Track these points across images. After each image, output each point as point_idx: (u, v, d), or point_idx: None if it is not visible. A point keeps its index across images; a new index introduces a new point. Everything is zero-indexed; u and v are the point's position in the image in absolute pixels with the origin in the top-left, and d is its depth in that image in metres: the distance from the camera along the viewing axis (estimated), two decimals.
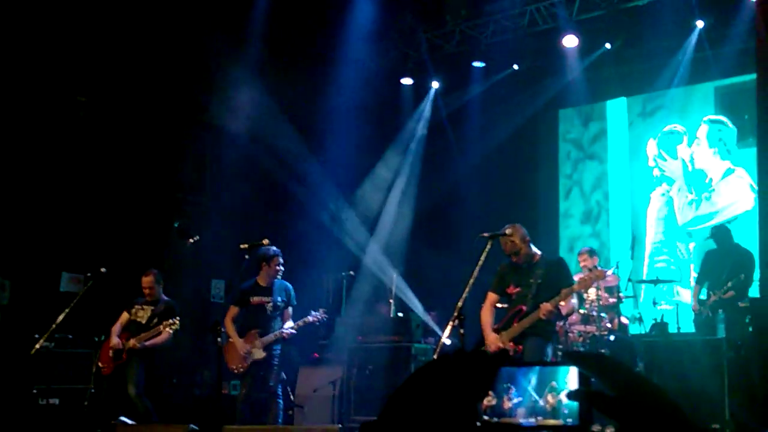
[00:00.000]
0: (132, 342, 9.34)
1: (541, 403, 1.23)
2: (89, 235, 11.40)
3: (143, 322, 9.53)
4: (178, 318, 9.40)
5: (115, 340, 9.45)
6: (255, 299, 9.20)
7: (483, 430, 1.19)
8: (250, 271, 9.15)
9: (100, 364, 9.40)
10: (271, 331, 9.06)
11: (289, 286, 9.42)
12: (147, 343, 9.36)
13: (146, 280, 9.71)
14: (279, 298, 9.20)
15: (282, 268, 9.28)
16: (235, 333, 9.11)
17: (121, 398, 9.29)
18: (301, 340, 10.06)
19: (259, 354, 8.97)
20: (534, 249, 7.70)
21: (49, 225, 11.05)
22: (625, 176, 13.29)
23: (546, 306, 7.32)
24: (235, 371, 9.10)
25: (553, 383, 1.22)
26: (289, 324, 9.14)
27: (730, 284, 9.40)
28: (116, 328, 9.57)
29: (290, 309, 9.28)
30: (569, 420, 1.20)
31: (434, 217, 14.27)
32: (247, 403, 9.05)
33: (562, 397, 1.20)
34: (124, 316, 9.66)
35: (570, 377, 1.21)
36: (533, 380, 1.23)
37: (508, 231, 7.41)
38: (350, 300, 12.60)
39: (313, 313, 9.26)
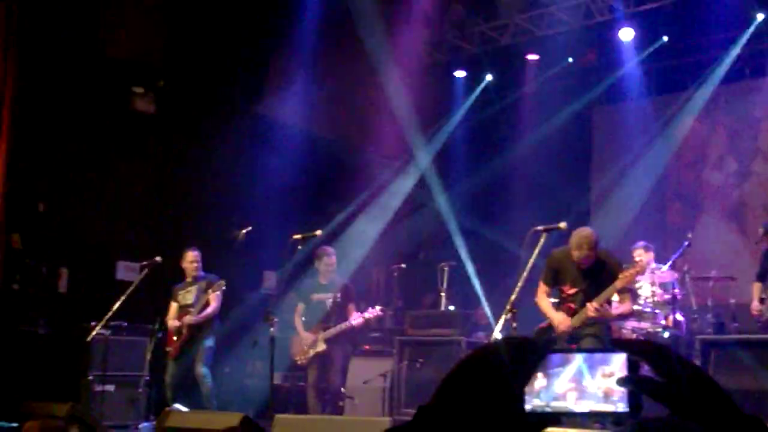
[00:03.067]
0: (187, 318, 9.51)
1: (592, 388, 1.22)
2: (145, 224, 11.56)
3: (191, 301, 9.67)
4: (222, 280, 9.61)
5: (171, 323, 9.66)
6: (315, 296, 9.58)
7: (532, 414, 1.19)
8: (304, 263, 9.27)
9: (167, 349, 9.62)
10: (332, 326, 9.35)
11: (349, 284, 9.79)
12: (201, 315, 9.54)
13: (192, 255, 9.88)
14: (339, 295, 9.49)
15: (332, 266, 9.58)
16: (301, 327, 9.53)
17: (179, 384, 9.45)
18: (350, 334, 10.09)
19: (321, 346, 9.32)
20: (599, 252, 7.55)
21: (105, 213, 11.21)
22: None
23: (592, 305, 7.23)
24: (298, 362, 9.53)
25: (605, 369, 1.21)
26: (355, 315, 9.42)
27: None
28: (168, 318, 9.76)
29: (353, 305, 9.55)
30: (620, 406, 1.20)
31: (486, 210, 14.22)
32: (314, 393, 9.41)
33: (613, 383, 1.19)
34: (173, 306, 9.81)
35: (620, 363, 1.20)
36: (585, 365, 1.23)
37: (562, 225, 7.32)
38: (401, 293, 12.61)
39: (370, 310, 9.44)
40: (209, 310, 9.62)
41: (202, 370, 9.39)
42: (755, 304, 9.53)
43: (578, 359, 1.24)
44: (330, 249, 9.70)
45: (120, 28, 11.49)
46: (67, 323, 10.07)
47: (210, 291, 9.58)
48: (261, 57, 12.64)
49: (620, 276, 7.26)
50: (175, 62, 11.97)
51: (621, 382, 1.20)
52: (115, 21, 11.45)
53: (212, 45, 11.99)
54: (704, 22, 12.22)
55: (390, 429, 1.18)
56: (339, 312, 9.45)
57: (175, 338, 9.60)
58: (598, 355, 1.24)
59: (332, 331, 9.31)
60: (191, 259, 9.87)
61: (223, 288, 9.60)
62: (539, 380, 1.21)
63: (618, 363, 1.21)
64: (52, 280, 10.66)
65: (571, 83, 13.88)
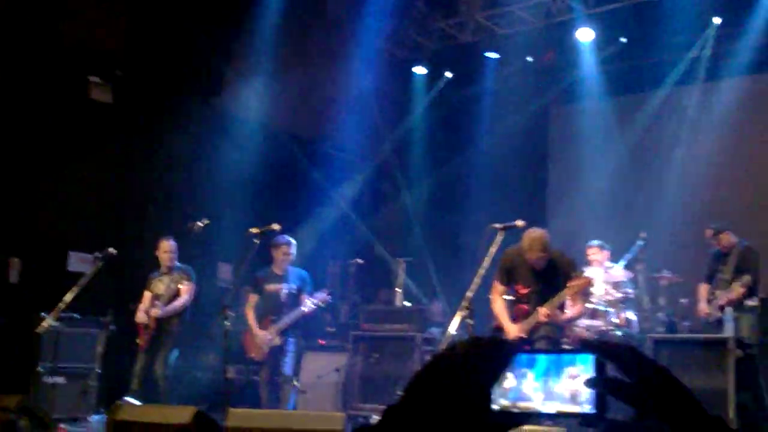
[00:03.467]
0: (154, 311, 9.40)
1: (559, 389, 1.22)
2: (99, 215, 11.42)
3: (161, 292, 9.57)
4: (193, 277, 9.65)
5: (140, 315, 9.55)
6: (269, 287, 9.37)
7: (500, 414, 1.19)
8: (261, 256, 9.19)
9: (137, 340, 9.49)
10: (284, 318, 9.19)
11: (305, 273, 9.53)
12: (169, 307, 9.46)
13: (166, 245, 9.77)
14: (293, 285, 9.32)
15: (289, 256, 9.37)
16: (254, 321, 9.33)
17: (148, 376, 9.37)
18: (307, 326, 10.07)
19: (276, 341, 9.17)
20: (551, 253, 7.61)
21: (57, 203, 11.06)
22: None
23: (543, 310, 7.33)
24: (255, 358, 9.34)
25: (571, 370, 1.22)
26: (305, 302, 9.21)
27: (736, 283, 9.35)
28: (141, 307, 9.64)
29: (306, 296, 9.28)
30: (586, 407, 1.20)
31: (443, 206, 14.26)
32: (267, 389, 9.24)
33: (579, 384, 1.20)
34: (146, 296, 9.69)
35: (587, 364, 1.21)
36: (552, 366, 1.23)
37: (519, 223, 7.35)
38: (356, 287, 12.60)
39: (317, 294, 9.28)
40: (178, 302, 9.52)
41: (160, 370, 9.29)
42: (702, 306, 9.68)
43: (545, 360, 1.24)
44: (288, 238, 9.45)
45: (78, 17, 11.32)
46: (17, 314, 9.92)
47: (181, 285, 9.50)
48: (221, 50, 12.55)
49: (569, 285, 7.33)
50: (133, 52, 11.84)
51: (588, 383, 1.20)
52: (73, 9, 11.29)
53: (172, 36, 11.87)
54: (663, 25, 12.35)
55: (358, 429, 1.18)
56: (292, 303, 9.27)
57: (144, 330, 9.47)
58: (565, 356, 1.24)
59: (285, 321, 9.15)
60: (165, 248, 9.75)
61: (192, 285, 9.59)
62: (506, 380, 1.21)
63: (585, 364, 1.21)
64: (4, 270, 10.49)
65: (530, 82, 13.97)
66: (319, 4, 12.91)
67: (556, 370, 1.23)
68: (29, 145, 10.85)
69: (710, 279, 9.77)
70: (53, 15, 11.09)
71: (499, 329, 7.77)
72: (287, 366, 9.19)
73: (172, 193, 12.13)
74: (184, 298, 9.55)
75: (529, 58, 13.78)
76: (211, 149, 12.55)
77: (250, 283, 9.62)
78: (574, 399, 1.22)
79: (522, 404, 1.22)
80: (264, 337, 9.20)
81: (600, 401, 1.20)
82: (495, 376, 1.19)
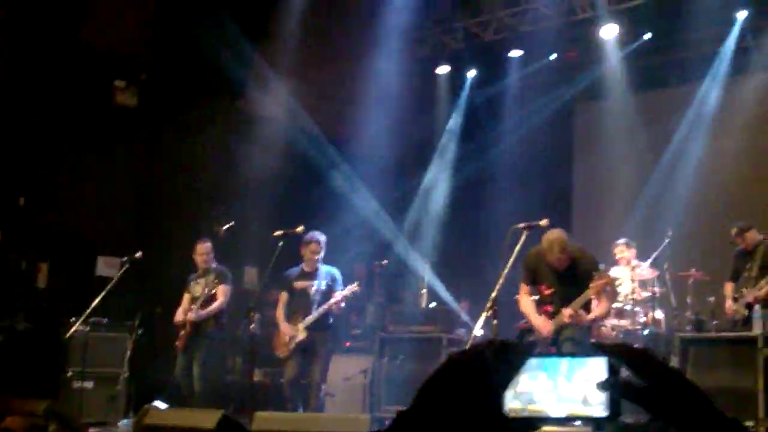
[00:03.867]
0: (189, 314, 9.43)
1: (571, 392, 1.21)
2: (126, 220, 11.50)
3: (198, 294, 9.57)
4: (229, 279, 9.69)
5: (178, 316, 9.56)
6: (298, 284, 9.26)
7: (512, 418, 1.18)
8: (290, 257, 9.21)
9: (176, 343, 9.45)
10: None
11: (335, 271, 9.38)
12: (204, 311, 9.42)
13: (202, 247, 9.79)
14: (323, 282, 9.19)
15: (319, 253, 9.22)
16: (283, 318, 9.23)
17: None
18: (336, 329, 10.05)
19: (302, 335, 9.02)
20: (571, 248, 7.56)
21: (86, 208, 11.14)
22: None
23: (567, 311, 7.30)
24: (280, 356, 9.20)
25: (584, 373, 1.21)
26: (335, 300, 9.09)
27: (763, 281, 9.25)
28: (180, 309, 9.63)
29: (337, 294, 9.12)
30: (599, 409, 1.19)
31: (468, 206, 14.22)
32: (293, 389, 9.07)
33: (592, 387, 1.19)
34: (185, 297, 9.70)
35: (600, 367, 1.19)
36: (564, 369, 1.22)
37: (543, 222, 7.32)
38: (382, 289, 12.58)
39: (347, 287, 9.17)
40: (214, 305, 9.50)
41: (197, 371, 9.31)
42: (729, 304, 9.57)
43: (558, 363, 1.24)
44: (318, 235, 9.29)
45: (104, 21, 11.41)
46: (46, 319, 10.00)
47: (218, 289, 9.48)
48: (245, 51, 12.59)
49: (591, 285, 7.28)
50: (158, 56, 11.91)
51: (601, 386, 1.19)
52: (99, 14, 11.37)
53: (196, 38, 11.92)
54: (687, 20, 12.24)
55: None
56: (323, 301, 9.12)
57: (182, 332, 9.47)
58: (577, 359, 1.23)
59: (313, 316, 9.02)
60: (200, 251, 9.77)
61: (229, 288, 9.62)
62: (518, 383, 1.21)
63: (597, 367, 1.20)
64: (32, 275, 10.58)
65: (554, 80, 13.89)
66: (342, 3, 12.91)
67: (568, 373, 1.23)
68: (56, 151, 10.96)
69: (736, 278, 9.67)
70: (78, 19, 11.18)
71: (525, 330, 7.75)
72: (316, 370, 9.02)
73: (198, 197, 12.19)
74: (219, 301, 9.53)
75: (553, 56, 13.70)
76: (236, 151, 12.60)
77: (281, 281, 9.47)
78: (586, 402, 1.21)
79: (534, 407, 1.22)
80: (289, 330, 9.08)
81: (613, 404, 1.19)
82: (507, 379, 1.19)
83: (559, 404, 1.23)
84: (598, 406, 1.20)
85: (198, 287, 9.65)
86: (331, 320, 9.28)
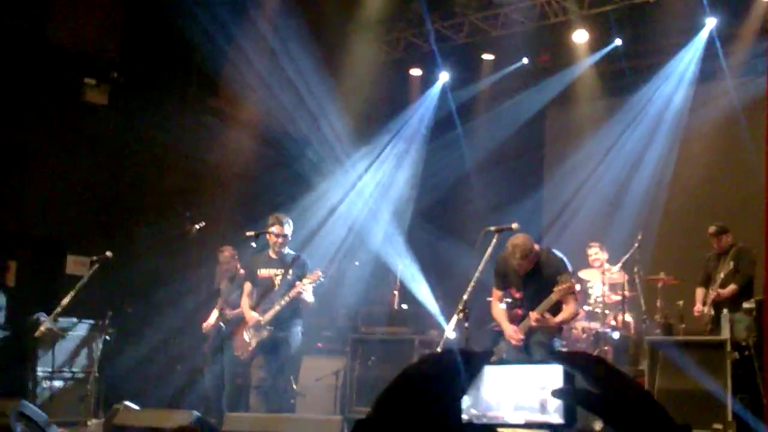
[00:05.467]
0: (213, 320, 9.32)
1: (528, 399, 1.24)
2: (95, 219, 11.42)
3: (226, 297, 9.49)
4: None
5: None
6: (262, 272, 8.39)
7: (469, 425, 1.21)
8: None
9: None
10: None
11: (303, 257, 8.50)
12: (235, 311, 9.13)
13: (221, 256, 9.85)
14: (290, 271, 8.22)
15: (282, 238, 8.26)
16: (248, 308, 8.36)
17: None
18: (304, 329, 9.99)
19: (263, 333, 8.17)
20: (536, 251, 7.62)
21: (55, 207, 11.06)
22: None
23: (534, 315, 7.38)
24: (241, 358, 8.47)
25: (540, 380, 1.24)
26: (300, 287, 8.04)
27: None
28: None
29: (299, 284, 8.10)
30: (556, 417, 1.22)
31: (440, 208, 14.27)
32: (259, 396, 8.19)
33: (548, 394, 1.22)
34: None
35: (556, 375, 1.22)
36: (521, 376, 1.25)
37: (513, 225, 7.36)
38: (354, 290, 12.60)
39: (308, 274, 8.15)
40: (238, 312, 8.95)
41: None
42: (698, 307, 9.68)
43: (514, 370, 1.26)
44: (282, 217, 8.41)
45: (74, 18, 11.33)
46: (15, 318, 9.92)
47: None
48: (217, 51, 12.55)
49: (554, 289, 7.35)
50: (130, 54, 11.84)
51: (556, 393, 1.21)
52: (69, 12, 11.29)
53: (168, 37, 11.87)
54: (657, 27, 12.38)
55: None
56: (288, 291, 8.11)
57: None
58: (534, 367, 1.26)
59: (274, 310, 8.09)
60: (224, 259, 9.78)
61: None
62: (476, 391, 1.23)
63: (553, 374, 1.23)
64: (1, 274, 10.49)
65: (525, 83, 13.98)
66: (315, 5, 12.90)
67: (525, 380, 1.25)
68: (24, 149, 10.85)
69: (706, 283, 9.79)
70: (48, 16, 11.10)
71: (497, 333, 7.82)
72: (278, 365, 8.24)
73: (168, 195, 12.13)
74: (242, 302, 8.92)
75: (524, 60, 13.79)
76: (207, 150, 12.55)
77: (245, 270, 8.81)
78: (543, 409, 1.23)
79: (491, 414, 1.24)
80: (246, 328, 8.25)
81: (569, 411, 1.22)
82: (465, 387, 1.20)
83: (517, 411, 1.25)
84: (554, 413, 1.23)
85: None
86: (297, 316, 8.35)
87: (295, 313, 8.30)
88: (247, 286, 8.54)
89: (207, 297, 11.15)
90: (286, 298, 8.01)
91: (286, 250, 8.42)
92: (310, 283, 8.02)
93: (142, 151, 11.99)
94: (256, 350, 8.24)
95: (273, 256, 8.38)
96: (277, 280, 8.20)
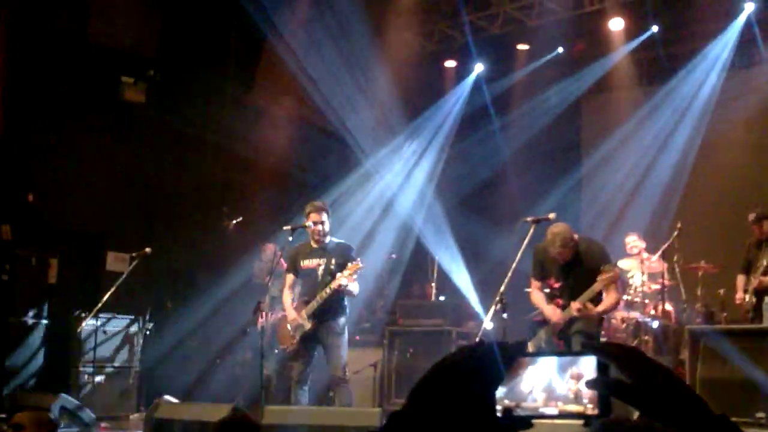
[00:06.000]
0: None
1: (562, 389, 1.23)
2: (135, 215, 11.53)
3: (275, 295, 9.26)
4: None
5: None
6: (305, 263, 8.01)
7: (503, 416, 1.20)
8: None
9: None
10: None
11: (348, 245, 8.13)
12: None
13: (264, 255, 9.89)
14: (332, 260, 7.84)
15: (321, 225, 7.83)
16: (289, 303, 8.06)
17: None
18: (344, 313, 9.75)
19: (306, 325, 7.80)
20: (575, 240, 7.54)
21: (95, 204, 11.18)
22: None
23: (575, 305, 7.30)
24: (286, 351, 8.14)
25: (575, 370, 1.23)
26: (341, 280, 7.62)
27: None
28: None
29: (338, 276, 7.66)
30: (589, 407, 1.21)
31: (477, 199, 14.23)
32: (300, 390, 7.90)
33: (582, 384, 1.21)
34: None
35: (590, 365, 1.22)
36: (554, 367, 1.24)
37: (551, 216, 7.32)
38: (392, 282, 12.62)
39: (349, 265, 7.65)
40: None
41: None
42: (740, 294, 9.55)
43: (548, 361, 1.26)
44: (320, 204, 8.03)
45: (112, 17, 11.44)
46: (56, 314, 10.05)
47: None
48: (252, 47, 12.61)
49: (598, 279, 7.26)
50: (167, 52, 11.93)
51: (590, 384, 1.21)
52: (107, 11, 11.40)
53: (204, 35, 11.95)
54: (693, 12, 12.24)
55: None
56: (330, 281, 7.72)
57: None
58: (568, 357, 1.25)
59: (316, 302, 7.75)
60: (266, 257, 9.79)
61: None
62: (510, 381, 1.23)
63: (587, 365, 1.22)
64: (42, 271, 10.62)
65: (561, 73, 13.90)
66: None
67: (559, 370, 1.24)
68: (64, 147, 10.98)
69: (747, 269, 9.65)
70: (86, 16, 11.21)
71: (536, 323, 7.76)
72: (331, 365, 7.84)
73: (207, 192, 12.22)
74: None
75: (560, 49, 13.70)
76: (244, 145, 12.62)
77: (287, 260, 8.38)
78: (577, 399, 1.23)
79: (525, 404, 1.24)
80: (292, 318, 7.91)
81: (604, 402, 1.21)
82: (498, 379, 1.20)
83: (551, 402, 1.25)
84: (589, 404, 1.22)
85: (274, 289, 9.24)
86: (344, 304, 7.96)
87: (340, 304, 7.91)
88: (289, 278, 8.20)
89: (247, 291, 11.23)
90: (328, 290, 7.65)
91: (328, 239, 8.01)
92: (350, 274, 7.59)
93: (179, 148, 12.07)
94: (300, 343, 7.90)
95: (314, 245, 7.98)
96: (320, 270, 7.85)
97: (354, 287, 7.78)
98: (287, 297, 8.11)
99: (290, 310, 7.98)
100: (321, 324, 7.80)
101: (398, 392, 10.13)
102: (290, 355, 8.06)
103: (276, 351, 8.88)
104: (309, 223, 7.82)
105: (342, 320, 7.90)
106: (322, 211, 7.88)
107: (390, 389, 10.30)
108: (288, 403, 8.06)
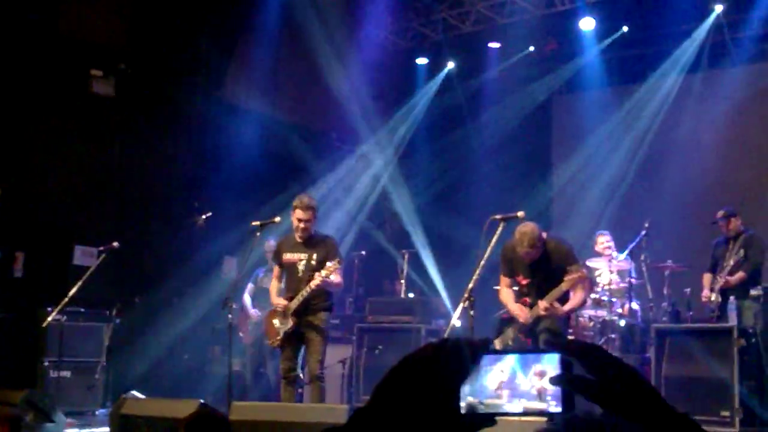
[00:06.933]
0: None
1: (526, 387, 1.24)
2: (103, 209, 11.45)
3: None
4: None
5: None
6: (287, 256, 7.94)
7: (468, 414, 1.21)
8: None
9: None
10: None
11: (332, 242, 8.04)
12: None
13: (269, 245, 9.88)
14: (314, 256, 7.75)
15: (305, 222, 7.71)
16: (275, 295, 8.03)
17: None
18: (328, 309, 9.61)
19: (287, 323, 7.76)
20: (543, 240, 7.59)
21: (62, 197, 11.09)
22: None
23: (542, 304, 7.37)
24: (272, 345, 8.12)
25: (538, 367, 1.23)
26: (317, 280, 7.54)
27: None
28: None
29: (317, 276, 7.56)
30: (553, 404, 1.22)
31: (447, 197, 14.26)
32: (289, 384, 7.87)
33: (546, 381, 1.22)
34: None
35: (553, 362, 1.22)
36: (518, 364, 1.25)
37: (519, 214, 7.35)
38: (360, 279, 12.62)
39: (327, 265, 7.52)
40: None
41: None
42: (705, 292, 9.66)
43: (511, 358, 1.26)
44: (306, 199, 7.87)
45: (82, 10, 11.34)
46: (22, 308, 9.95)
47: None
48: (224, 42, 12.55)
49: (565, 279, 7.34)
50: (136, 45, 11.85)
51: (554, 380, 1.21)
52: (77, 3, 11.30)
53: (174, 29, 11.88)
54: (664, 13, 12.33)
55: (326, 429, 1.19)
56: (311, 277, 7.64)
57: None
58: (531, 355, 1.26)
59: (297, 300, 7.70)
60: (268, 248, 9.80)
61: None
62: (474, 379, 1.23)
63: (551, 362, 1.23)
64: (8, 265, 10.52)
65: (532, 72, 13.96)
66: None
67: (522, 367, 1.25)
68: (32, 140, 10.88)
69: (714, 268, 9.76)
70: (55, 8, 11.11)
71: (504, 320, 7.82)
72: (311, 360, 7.76)
73: (175, 187, 12.16)
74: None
75: (531, 48, 13.76)
76: (213, 141, 12.57)
77: (274, 251, 8.37)
78: (540, 396, 1.23)
79: (488, 401, 1.24)
80: (278, 304, 7.83)
81: (567, 399, 1.22)
82: (463, 376, 1.20)
83: (514, 399, 1.25)
84: (552, 401, 1.23)
85: (266, 279, 9.48)
86: (328, 300, 7.90)
87: (323, 299, 7.84)
88: (276, 269, 8.16)
89: (215, 287, 11.19)
90: (307, 289, 7.60)
91: (314, 232, 7.90)
92: (327, 275, 7.49)
93: (149, 142, 12.00)
94: (284, 339, 7.84)
95: (298, 239, 7.87)
96: (301, 266, 7.79)
97: (336, 278, 7.69)
98: (274, 287, 8.12)
99: (275, 297, 7.95)
100: (302, 319, 7.77)
101: (367, 389, 10.13)
102: (278, 350, 8.05)
103: (251, 347, 8.99)
104: (293, 219, 7.78)
105: (323, 315, 7.83)
106: (309, 209, 7.77)
107: (359, 386, 10.30)
108: (267, 400, 8.05)
